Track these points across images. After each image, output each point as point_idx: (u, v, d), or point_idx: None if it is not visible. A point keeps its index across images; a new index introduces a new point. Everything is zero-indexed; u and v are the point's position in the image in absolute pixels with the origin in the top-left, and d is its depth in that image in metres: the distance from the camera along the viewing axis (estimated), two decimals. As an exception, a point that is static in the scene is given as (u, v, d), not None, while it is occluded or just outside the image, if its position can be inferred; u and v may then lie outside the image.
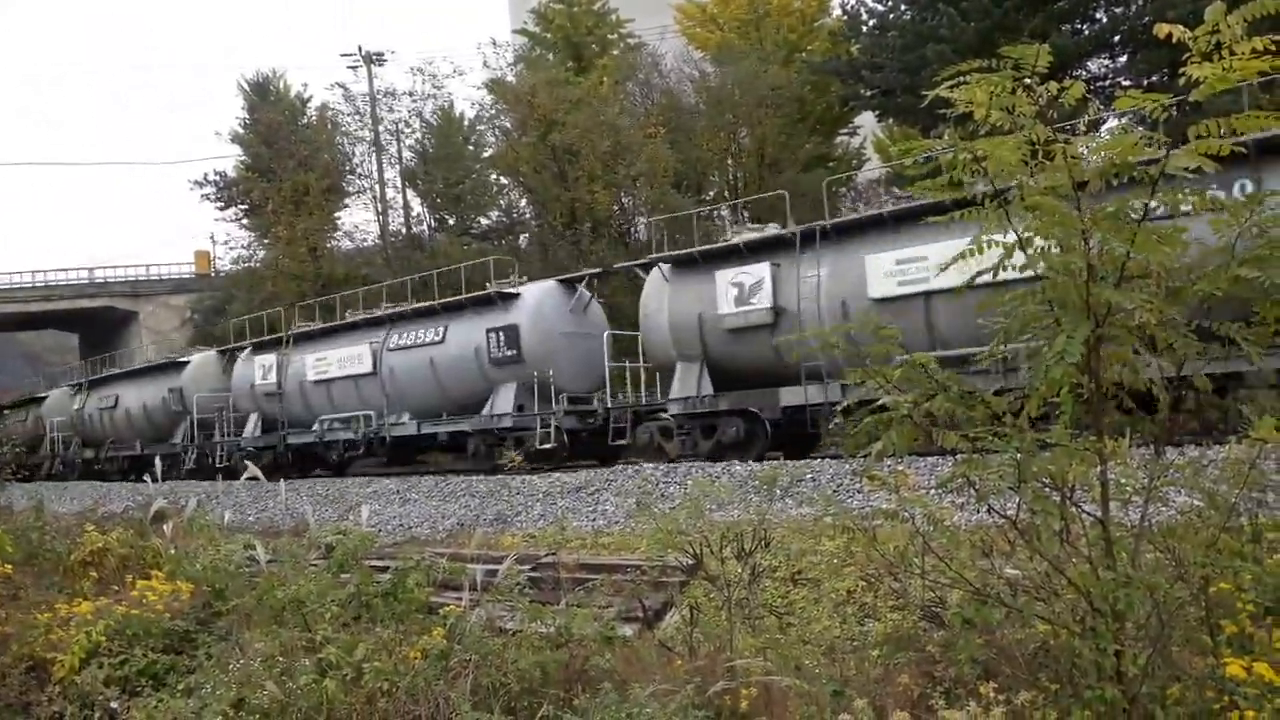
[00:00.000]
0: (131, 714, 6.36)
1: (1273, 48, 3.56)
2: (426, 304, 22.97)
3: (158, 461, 19.16)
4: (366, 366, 23.20)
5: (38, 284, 56.95)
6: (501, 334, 19.91)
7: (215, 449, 27.57)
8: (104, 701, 6.90)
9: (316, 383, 24.70)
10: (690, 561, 7.24)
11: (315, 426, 24.63)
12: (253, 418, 27.07)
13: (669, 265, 17.70)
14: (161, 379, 31.13)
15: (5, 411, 43.32)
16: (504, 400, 19.80)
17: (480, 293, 21.15)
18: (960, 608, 5.03)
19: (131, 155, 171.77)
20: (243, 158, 44.80)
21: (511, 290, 20.60)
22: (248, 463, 10.92)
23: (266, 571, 7.72)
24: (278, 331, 27.23)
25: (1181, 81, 3.79)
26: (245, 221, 45.55)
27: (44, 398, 40.20)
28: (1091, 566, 3.99)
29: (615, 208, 34.05)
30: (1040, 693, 4.32)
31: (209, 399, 28.29)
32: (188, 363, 30.58)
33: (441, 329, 21.66)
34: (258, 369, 26.46)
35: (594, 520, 13.03)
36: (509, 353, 19.76)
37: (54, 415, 38.00)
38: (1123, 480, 4.29)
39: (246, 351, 27.48)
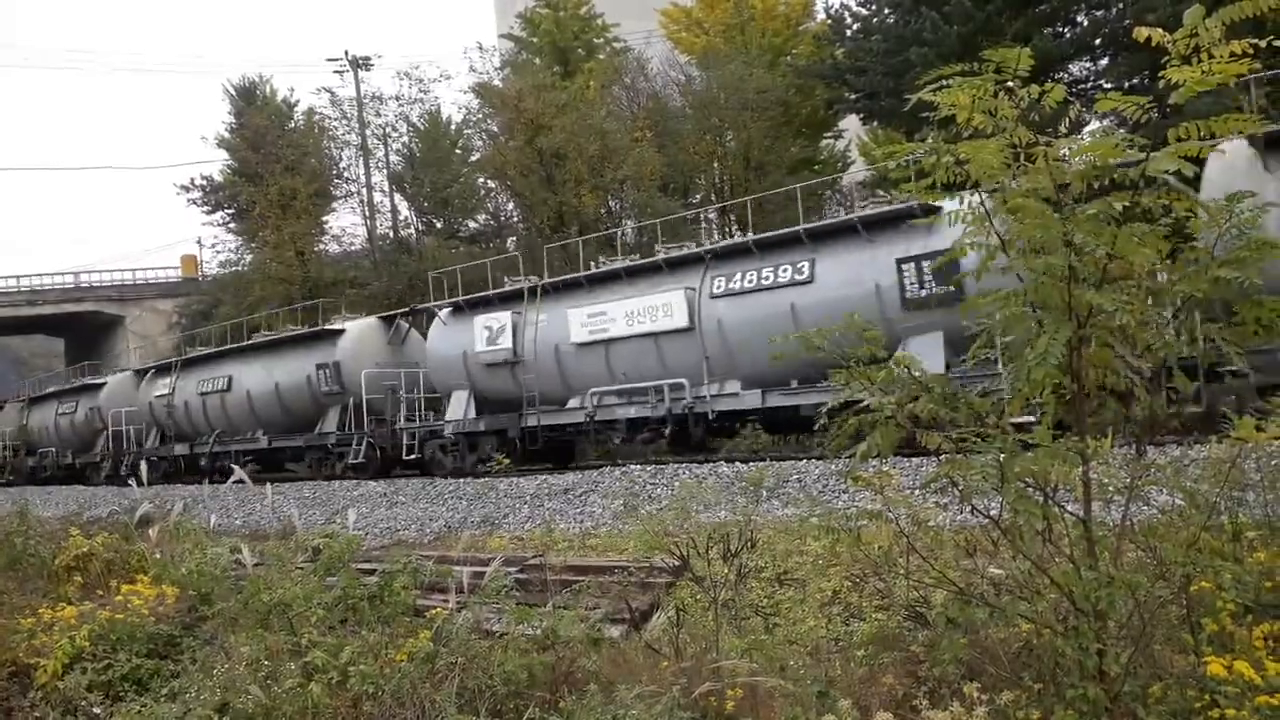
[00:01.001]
0: (115, 719, 6.31)
1: (1250, 51, 3.59)
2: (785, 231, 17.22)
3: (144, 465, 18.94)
4: (680, 320, 17.35)
5: (23, 288, 56.58)
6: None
7: (400, 436, 22.11)
8: (87, 707, 6.83)
9: (586, 345, 18.92)
10: (677, 563, 7.25)
11: (576, 402, 19.23)
12: (459, 395, 21.42)
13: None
14: (303, 353, 25.69)
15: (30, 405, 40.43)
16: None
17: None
18: (944, 607, 5.06)
19: (117, 160, 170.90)
20: (229, 162, 44.65)
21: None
22: (235, 467, 10.87)
23: (252, 575, 7.69)
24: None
25: (1161, 84, 3.82)
26: (232, 225, 45.39)
27: (99, 384, 35.16)
28: (1074, 566, 4.02)
29: (602, 211, 34.07)
30: (1023, 692, 4.34)
31: (377, 375, 23.16)
32: (342, 331, 24.89)
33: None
34: (479, 332, 20.72)
35: (581, 522, 13.03)
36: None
37: (118, 405, 32.40)
38: (1105, 480, 4.32)
39: (445, 312, 22.42)
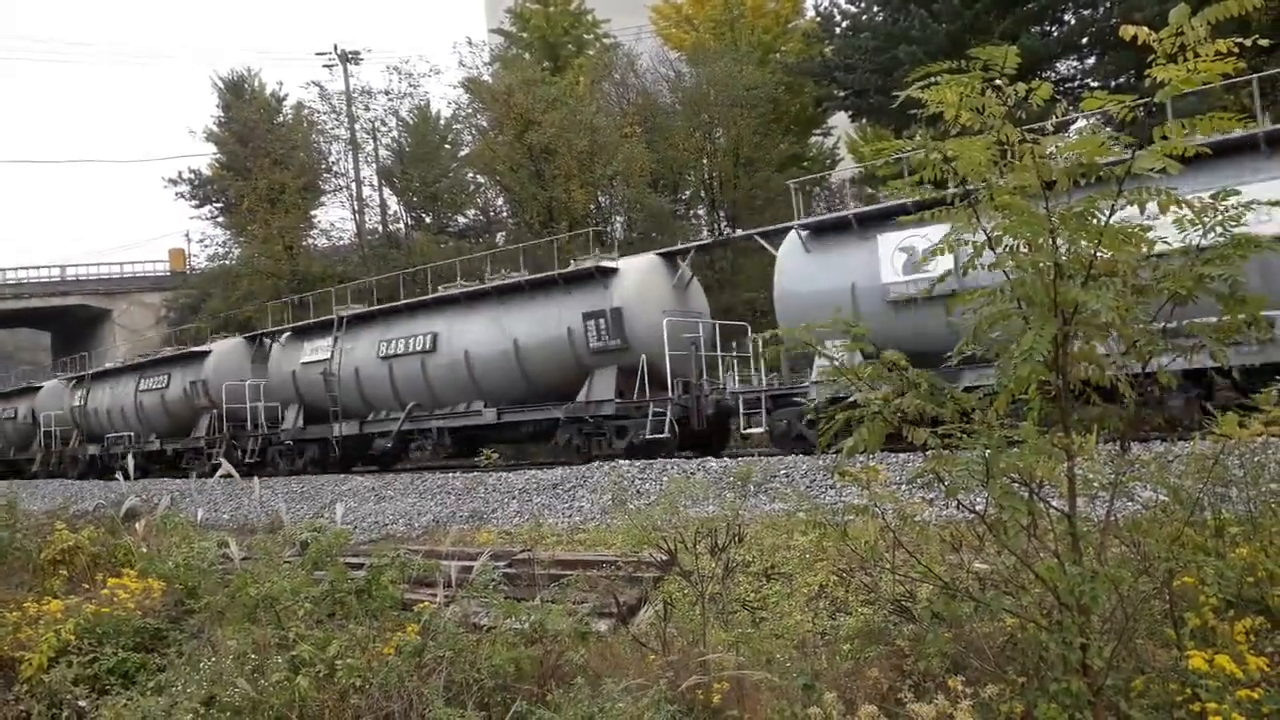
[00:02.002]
0: (100, 713, 6.30)
1: (1235, 50, 3.62)
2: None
3: (130, 460, 18.79)
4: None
5: (9, 281, 56.16)
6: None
7: (703, 403, 17.28)
8: (72, 700, 6.82)
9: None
10: (664, 557, 7.27)
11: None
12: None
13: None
14: (559, 300, 19.08)
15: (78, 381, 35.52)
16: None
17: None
18: (930, 602, 5.10)
19: (103, 153, 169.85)
20: (218, 156, 44.46)
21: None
22: (222, 460, 10.84)
23: (240, 569, 7.68)
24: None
25: (1147, 83, 3.85)
26: (221, 220, 45.22)
27: (202, 353, 28.25)
28: (1058, 561, 4.04)
29: (592, 207, 34.05)
30: (1007, 686, 4.38)
31: (678, 326, 17.61)
32: (614, 271, 18.51)
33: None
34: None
35: (570, 516, 13.04)
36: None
37: (237, 378, 26.68)
38: (1089, 476, 4.35)
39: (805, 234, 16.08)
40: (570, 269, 19.21)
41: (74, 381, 34.80)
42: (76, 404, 33.62)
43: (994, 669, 4.58)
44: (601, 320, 18.02)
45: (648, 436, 16.62)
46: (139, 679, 7.08)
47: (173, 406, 28.69)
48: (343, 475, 20.89)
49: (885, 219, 13.81)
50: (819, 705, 4.61)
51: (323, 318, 24.99)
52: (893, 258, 14.09)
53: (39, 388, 37.61)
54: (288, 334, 25.88)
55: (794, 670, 5.39)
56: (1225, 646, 4.22)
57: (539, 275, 19.96)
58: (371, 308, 23.66)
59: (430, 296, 22.12)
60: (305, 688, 5.51)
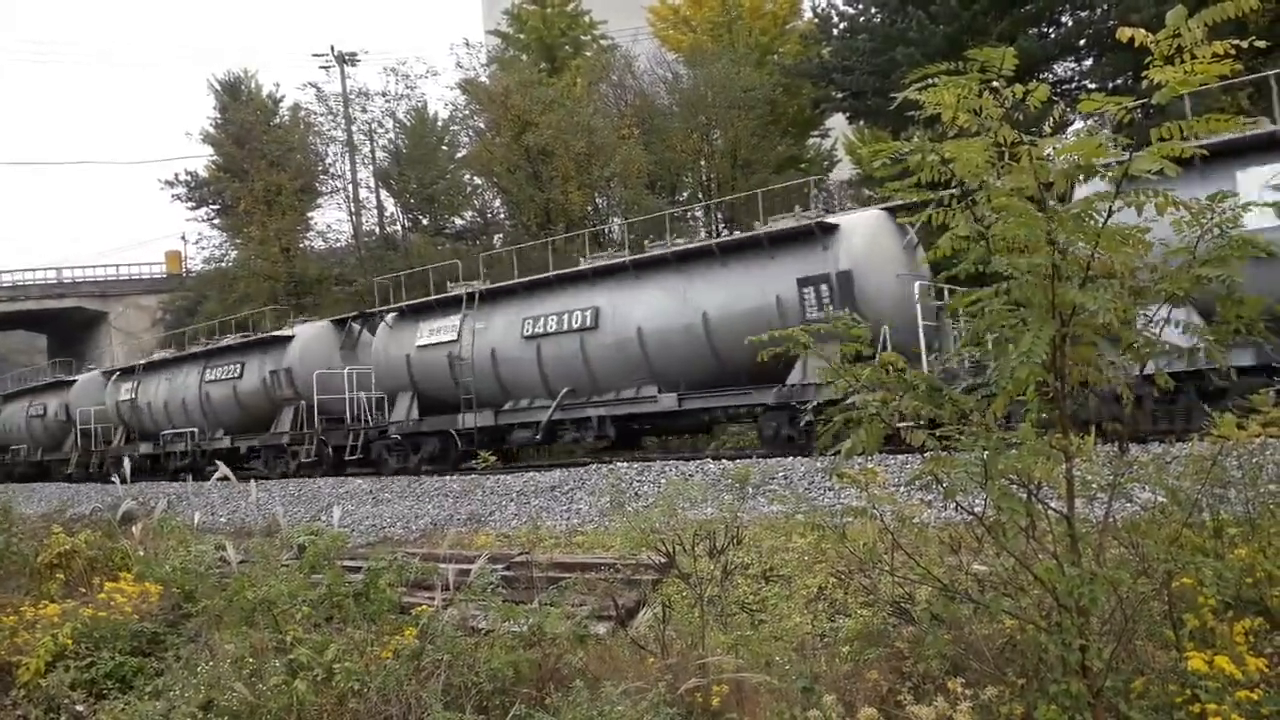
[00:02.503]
0: (98, 717, 6.28)
1: (1232, 51, 3.63)
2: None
3: (126, 462, 18.74)
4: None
5: (4, 284, 56.14)
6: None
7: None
8: (70, 705, 6.80)
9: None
10: (663, 560, 7.26)
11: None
12: None
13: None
14: (765, 266, 16.00)
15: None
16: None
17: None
18: (929, 604, 5.09)
19: (100, 154, 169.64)
20: (214, 158, 44.43)
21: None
22: (218, 463, 10.81)
23: (237, 572, 7.66)
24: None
25: (1144, 85, 3.85)
26: (217, 222, 45.18)
27: (283, 338, 24.77)
28: (1057, 562, 4.04)
29: (589, 208, 34.04)
30: (1007, 687, 4.37)
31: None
32: (835, 228, 15.59)
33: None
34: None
35: (568, 519, 13.03)
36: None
37: (318, 366, 23.35)
38: (1088, 477, 4.35)
39: None
40: (778, 227, 16.21)
41: (119, 374, 31.45)
42: (124, 398, 30.14)
43: (993, 671, 4.57)
44: (824, 286, 15.00)
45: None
46: (136, 683, 7.06)
47: (248, 399, 25.20)
48: (341, 478, 20.85)
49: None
50: (818, 708, 4.61)
51: (445, 294, 21.05)
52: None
53: (72, 381, 34.69)
54: (394, 314, 22.27)
55: (793, 672, 5.38)
56: (1224, 647, 4.23)
57: (736, 237, 17.67)
58: (510, 281, 20.20)
59: (588, 266, 18.76)
60: (303, 691, 5.50)
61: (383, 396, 22.24)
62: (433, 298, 21.42)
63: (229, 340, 27.19)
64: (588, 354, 17.83)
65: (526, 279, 19.81)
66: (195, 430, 26.80)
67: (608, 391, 17.77)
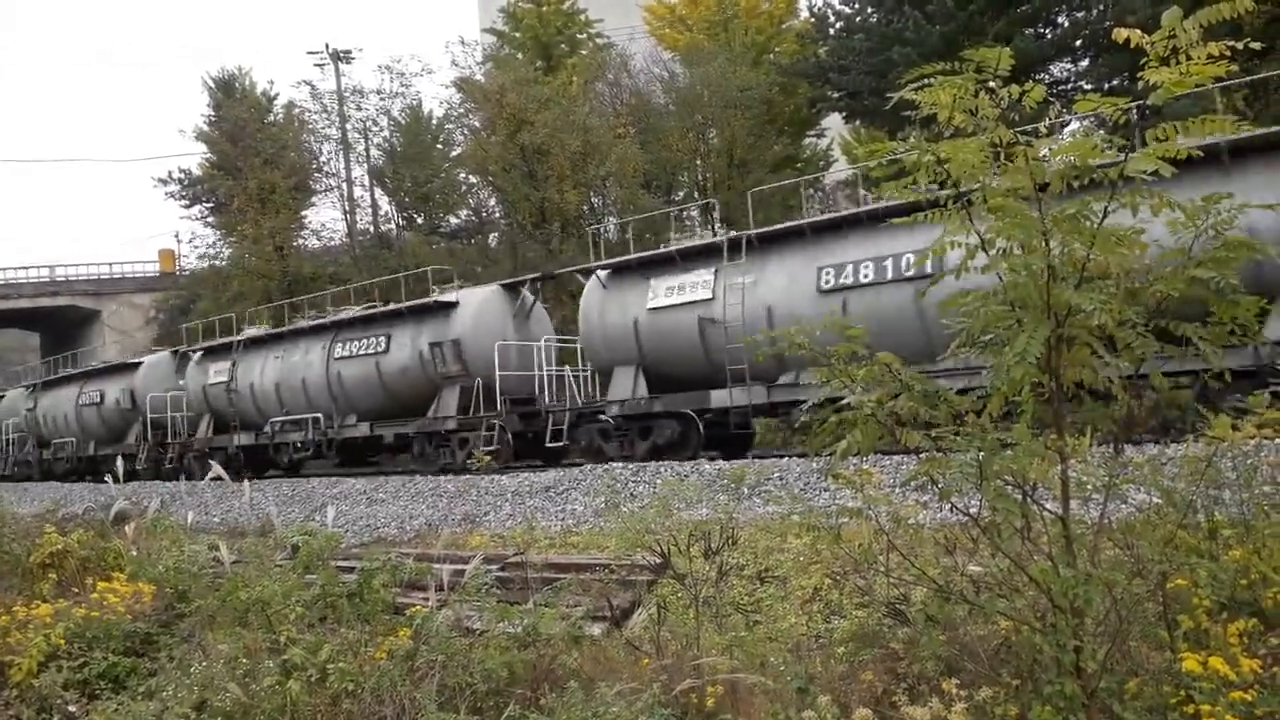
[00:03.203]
0: (91, 718, 6.26)
1: (1228, 53, 3.62)
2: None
3: (129, 458, 18.67)
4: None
5: (-2, 282, 55.99)
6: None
7: None
8: (62, 705, 6.78)
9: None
10: (658, 560, 7.26)
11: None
12: None
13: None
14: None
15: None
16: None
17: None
18: (924, 605, 5.09)
19: (93, 152, 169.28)
20: (208, 155, 44.34)
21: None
22: (212, 463, 10.80)
23: (231, 573, 7.64)
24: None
25: (1140, 85, 3.85)
26: (211, 220, 45.07)
27: (445, 304, 20.32)
28: (1052, 563, 4.04)
29: (585, 207, 34.02)
30: (1002, 688, 4.37)
31: None
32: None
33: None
34: None
35: (563, 520, 13.02)
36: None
37: (493, 338, 19.38)
38: (1083, 478, 4.35)
39: None
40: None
41: (203, 353, 26.67)
42: (214, 381, 25.26)
43: (988, 671, 4.57)
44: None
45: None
46: (129, 683, 7.04)
47: (397, 378, 20.45)
48: (334, 479, 20.82)
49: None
50: (813, 708, 4.60)
51: (692, 244, 17.18)
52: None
53: (138, 364, 29.61)
54: (608, 272, 17.94)
55: (788, 673, 5.37)
56: (1219, 649, 4.23)
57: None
58: (792, 223, 16.19)
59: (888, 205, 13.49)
60: (297, 692, 5.49)
61: (581, 373, 19.41)
62: (673, 248, 17.09)
63: (367, 309, 22.51)
64: (923, 310, 12.80)
65: (816, 220, 15.89)
66: (319, 416, 22.20)
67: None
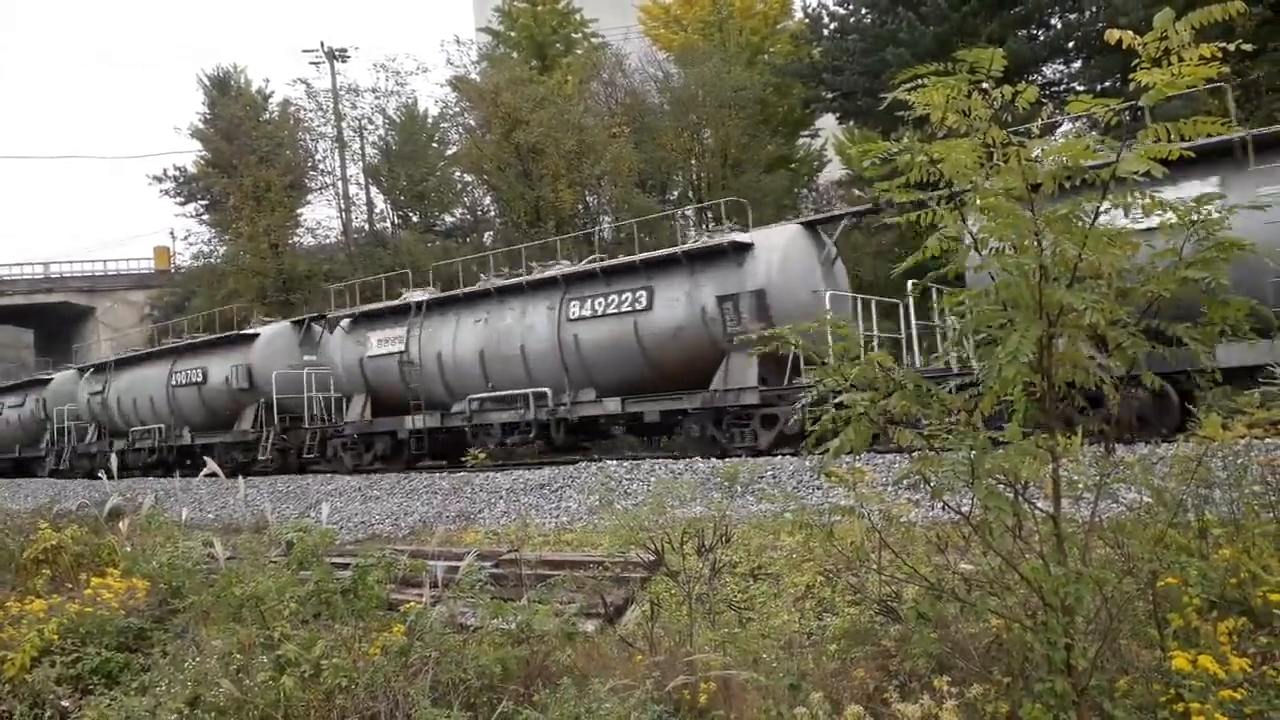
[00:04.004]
0: (84, 713, 6.26)
1: (1219, 54, 3.65)
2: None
3: (110, 457, 18.61)
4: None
5: (-8, 278, 55.83)
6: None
7: None
8: (55, 700, 6.78)
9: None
10: (652, 557, 7.27)
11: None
12: None
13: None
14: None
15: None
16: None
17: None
18: (916, 602, 5.11)
19: (82, 146, 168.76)
20: (203, 153, 44.25)
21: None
22: (206, 459, 10.78)
23: (225, 569, 7.64)
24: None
25: (1132, 87, 3.87)
26: (206, 217, 45.02)
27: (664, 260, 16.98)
28: (1043, 562, 4.06)
29: (580, 206, 34.03)
30: (992, 686, 4.40)
31: None
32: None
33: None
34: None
35: (557, 517, 13.03)
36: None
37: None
38: (1074, 477, 4.37)
39: None
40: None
41: (356, 320, 22.21)
42: (379, 352, 21.11)
43: (979, 669, 4.60)
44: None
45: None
46: (123, 679, 7.04)
47: (666, 341, 16.36)
48: (329, 475, 20.79)
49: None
50: (805, 705, 4.62)
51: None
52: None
53: (253, 335, 24.55)
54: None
55: (780, 670, 5.40)
56: (1208, 647, 4.25)
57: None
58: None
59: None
60: (290, 688, 5.49)
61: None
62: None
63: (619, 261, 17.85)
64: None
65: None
66: (546, 391, 18.10)
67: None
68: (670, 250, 17.01)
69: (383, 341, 21.41)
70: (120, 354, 31.75)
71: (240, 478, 14.68)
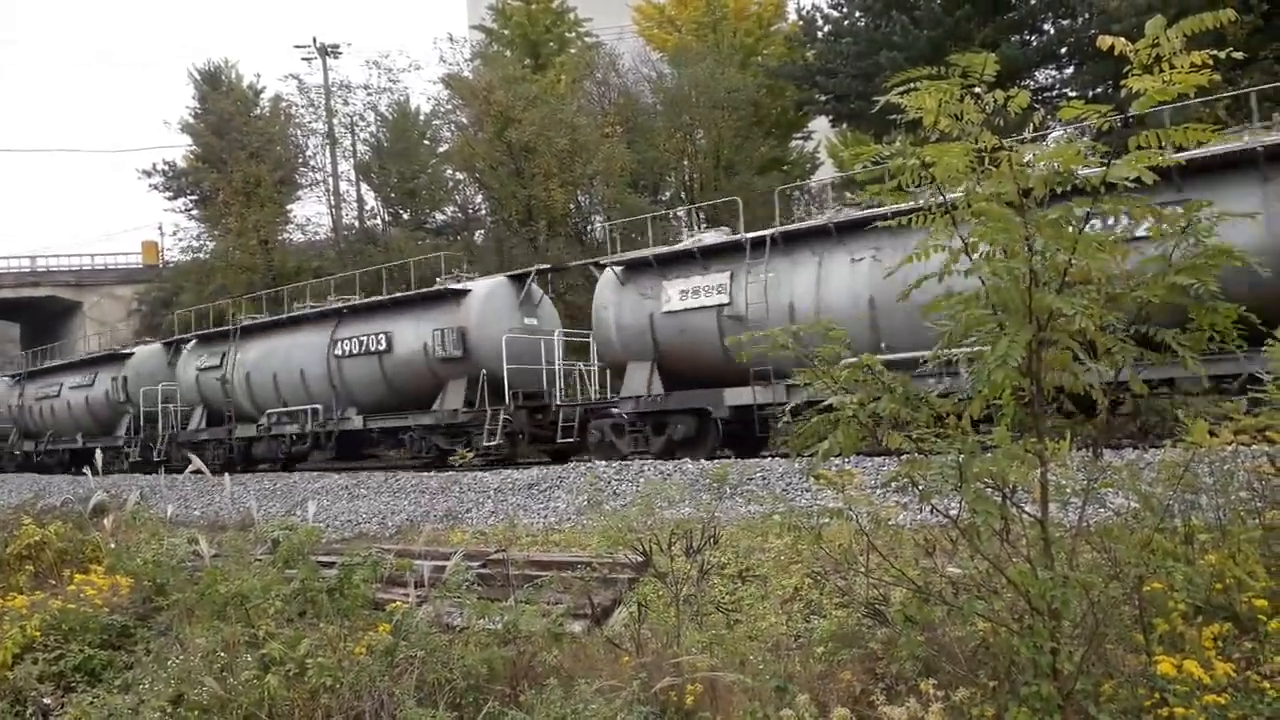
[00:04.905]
0: (66, 710, 6.22)
1: (1210, 62, 3.66)
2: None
3: (98, 454, 18.55)
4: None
5: (-23, 271, 55.42)
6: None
7: None
8: (37, 698, 6.74)
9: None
10: (640, 559, 7.27)
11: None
12: None
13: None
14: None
15: None
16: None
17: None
18: (903, 605, 5.11)
19: (76, 142, 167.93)
20: (193, 148, 44.04)
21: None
22: (192, 456, 10.73)
23: (210, 566, 7.61)
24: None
25: (1123, 93, 3.88)
26: (195, 213, 44.77)
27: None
28: (1030, 566, 4.07)
29: (572, 206, 33.99)
30: (979, 689, 4.40)
31: None
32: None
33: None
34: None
35: (545, 517, 13.01)
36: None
37: None
38: (1062, 482, 4.38)
39: None
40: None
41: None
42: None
43: (966, 672, 4.60)
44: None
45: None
46: (105, 676, 7.01)
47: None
48: (316, 473, 20.71)
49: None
50: (792, 707, 4.62)
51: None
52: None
53: (466, 292, 19.82)
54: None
55: (767, 672, 5.39)
56: (1193, 652, 4.27)
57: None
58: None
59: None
60: (275, 686, 5.47)
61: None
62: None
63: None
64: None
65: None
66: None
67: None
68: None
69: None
70: (247, 320, 25.51)
71: (226, 475, 14.62)
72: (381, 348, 20.45)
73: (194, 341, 26.25)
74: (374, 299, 21.78)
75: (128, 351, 29.80)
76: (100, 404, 29.37)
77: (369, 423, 20.98)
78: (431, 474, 17.20)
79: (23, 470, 32.19)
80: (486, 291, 19.72)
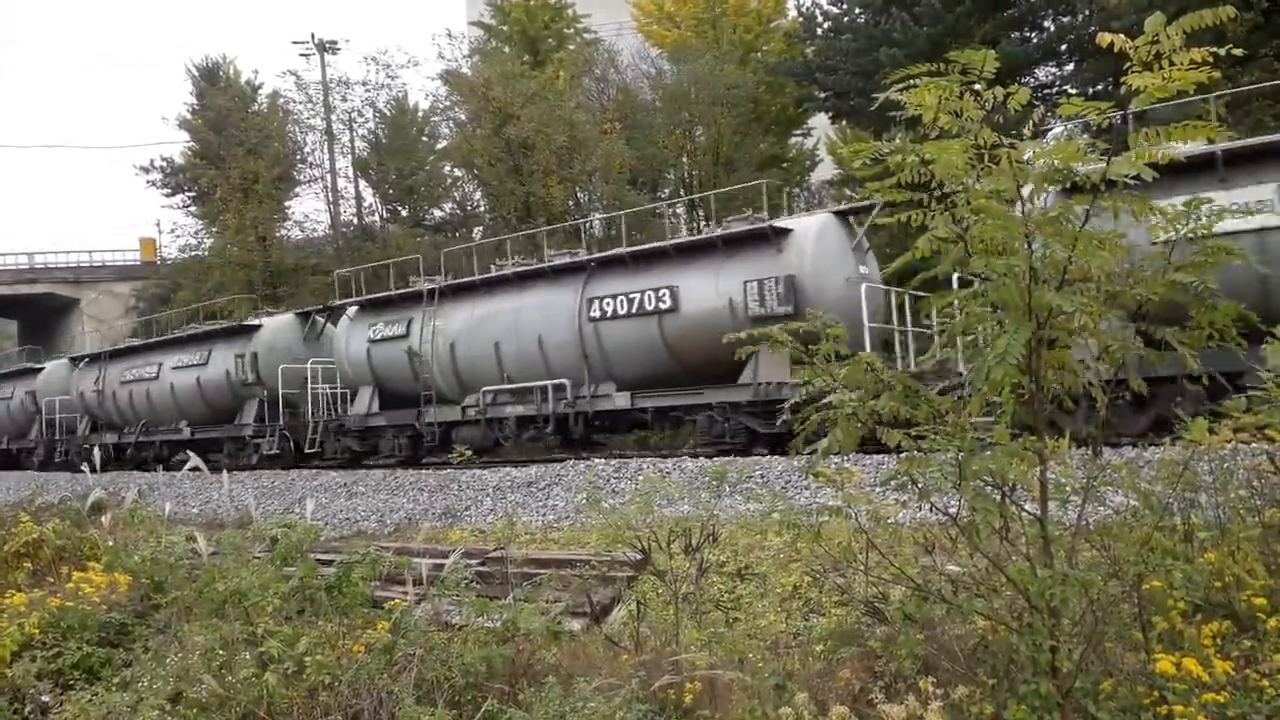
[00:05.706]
0: (64, 708, 6.22)
1: (1210, 59, 3.65)
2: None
3: (96, 451, 18.55)
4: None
5: (-26, 269, 55.34)
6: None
7: None
8: (35, 695, 6.73)
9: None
10: (639, 557, 7.26)
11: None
12: None
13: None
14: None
15: None
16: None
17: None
18: (902, 604, 5.11)
19: (74, 139, 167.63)
20: (191, 144, 44.00)
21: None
22: (190, 454, 10.72)
23: (208, 564, 7.60)
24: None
25: (1123, 90, 3.87)
26: (193, 209, 44.74)
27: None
28: (1030, 564, 4.06)
29: (570, 203, 33.96)
30: (978, 687, 4.39)
31: None
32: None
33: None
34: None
35: (544, 515, 13.00)
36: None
37: None
38: (1061, 480, 4.37)
39: None
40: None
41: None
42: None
43: (965, 671, 4.59)
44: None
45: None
46: (104, 674, 7.00)
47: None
48: (314, 470, 20.69)
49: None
50: (791, 705, 4.61)
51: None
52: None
53: (788, 231, 15.69)
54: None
55: (766, 670, 5.39)
56: (1193, 650, 4.26)
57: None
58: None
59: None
60: (273, 684, 5.46)
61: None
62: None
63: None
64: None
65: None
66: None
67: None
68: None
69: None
70: (454, 280, 21.09)
71: (224, 473, 14.61)
72: (665, 305, 16.15)
73: (355, 309, 21.92)
74: (651, 245, 17.51)
75: (254, 324, 24.81)
76: (218, 386, 24.60)
77: (637, 400, 16.56)
78: (429, 471, 17.18)
79: (104, 469, 21.13)
80: (818, 229, 15.65)
